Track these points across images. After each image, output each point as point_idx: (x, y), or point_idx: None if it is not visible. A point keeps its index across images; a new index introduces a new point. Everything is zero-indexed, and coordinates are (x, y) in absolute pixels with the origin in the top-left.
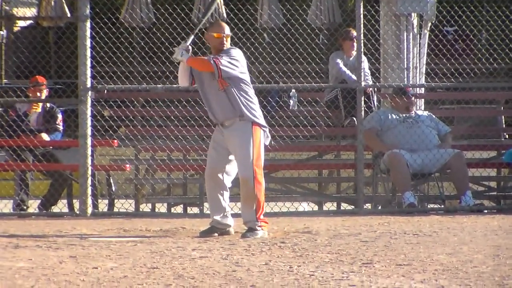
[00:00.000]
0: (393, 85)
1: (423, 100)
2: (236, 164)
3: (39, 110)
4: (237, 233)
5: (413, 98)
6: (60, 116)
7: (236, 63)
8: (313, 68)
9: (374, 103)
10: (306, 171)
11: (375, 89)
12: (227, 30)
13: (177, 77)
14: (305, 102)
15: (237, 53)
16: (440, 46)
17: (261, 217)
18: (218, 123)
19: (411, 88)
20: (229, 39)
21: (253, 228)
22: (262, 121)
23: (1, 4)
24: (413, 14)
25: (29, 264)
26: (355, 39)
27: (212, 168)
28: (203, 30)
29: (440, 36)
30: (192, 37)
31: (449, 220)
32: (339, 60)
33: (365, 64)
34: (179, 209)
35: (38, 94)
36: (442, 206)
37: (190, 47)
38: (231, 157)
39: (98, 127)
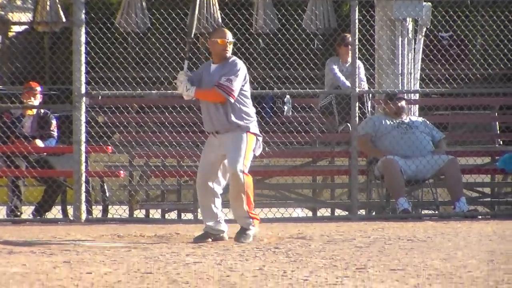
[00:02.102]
0: (387, 91)
1: (417, 106)
2: (226, 171)
3: (33, 113)
4: (231, 239)
5: (400, 104)
6: (54, 122)
7: (240, 78)
8: (307, 73)
9: (368, 109)
10: (300, 177)
11: (370, 94)
12: (230, 36)
13: (171, 83)
14: (299, 108)
15: (241, 65)
16: (435, 51)
17: (252, 212)
18: (213, 131)
19: (401, 94)
20: (231, 46)
21: (245, 228)
22: (256, 130)
23: None
24: (408, 19)
25: (23, 270)
26: (350, 45)
27: (203, 176)
28: (198, 36)
29: (435, 42)
30: (187, 62)
31: (443, 226)
32: (334, 66)
33: (361, 70)
34: (173, 215)
35: (32, 98)
36: (436, 212)
37: (188, 72)
38: (222, 165)
39: (92, 133)
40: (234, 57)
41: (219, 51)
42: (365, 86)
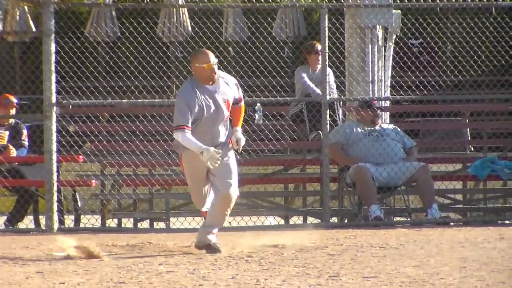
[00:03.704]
0: (358, 98)
1: (388, 113)
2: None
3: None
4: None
5: (378, 111)
6: (25, 132)
7: None
8: (278, 81)
9: (339, 116)
10: (272, 185)
11: (340, 102)
12: (213, 56)
13: (142, 92)
14: (270, 116)
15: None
16: (405, 58)
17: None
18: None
19: (377, 101)
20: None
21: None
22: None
23: None
24: (378, 27)
25: None
26: (320, 53)
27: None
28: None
29: (405, 49)
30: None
31: (415, 233)
32: (304, 74)
33: (330, 77)
34: (145, 224)
35: (11, 111)
36: (408, 219)
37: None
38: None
39: (64, 142)
40: (225, 73)
41: (209, 75)
42: (334, 92)
